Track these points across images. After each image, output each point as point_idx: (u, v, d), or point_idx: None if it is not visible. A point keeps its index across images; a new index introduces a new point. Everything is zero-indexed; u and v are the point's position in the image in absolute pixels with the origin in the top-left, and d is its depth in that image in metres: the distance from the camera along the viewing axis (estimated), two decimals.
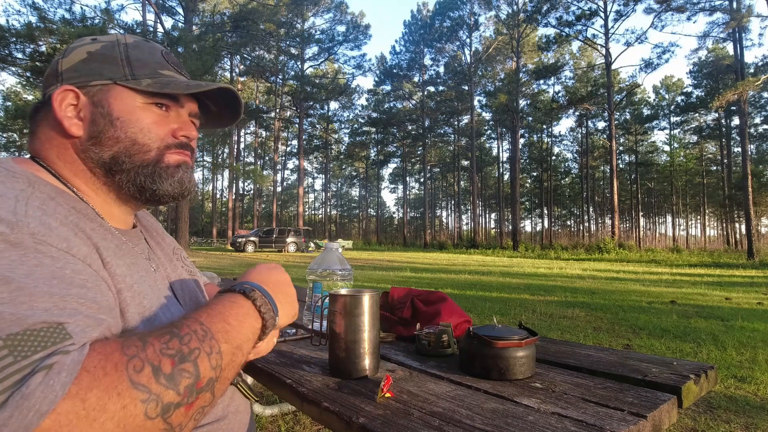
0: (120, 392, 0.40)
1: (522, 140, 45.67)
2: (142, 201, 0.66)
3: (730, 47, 25.83)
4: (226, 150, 44.19)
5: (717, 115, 38.04)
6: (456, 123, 46.28)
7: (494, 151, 52.82)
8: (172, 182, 0.64)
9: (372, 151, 52.34)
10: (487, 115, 45.66)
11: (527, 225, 64.08)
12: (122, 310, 0.53)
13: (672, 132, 45.41)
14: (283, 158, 55.13)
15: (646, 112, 44.83)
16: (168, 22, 26.06)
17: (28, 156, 0.62)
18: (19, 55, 18.15)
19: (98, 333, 0.45)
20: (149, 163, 0.62)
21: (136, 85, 0.61)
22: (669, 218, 57.15)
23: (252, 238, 24.61)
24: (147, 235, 0.74)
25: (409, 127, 46.03)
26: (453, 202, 60.56)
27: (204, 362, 0.47)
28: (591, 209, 51.05)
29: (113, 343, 0.44)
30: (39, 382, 0.37)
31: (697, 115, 41.66)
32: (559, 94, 38.86)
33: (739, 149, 24.43)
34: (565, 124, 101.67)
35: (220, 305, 0.55)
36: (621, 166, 46.89)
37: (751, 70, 25.41)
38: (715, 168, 46.38)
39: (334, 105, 47.26)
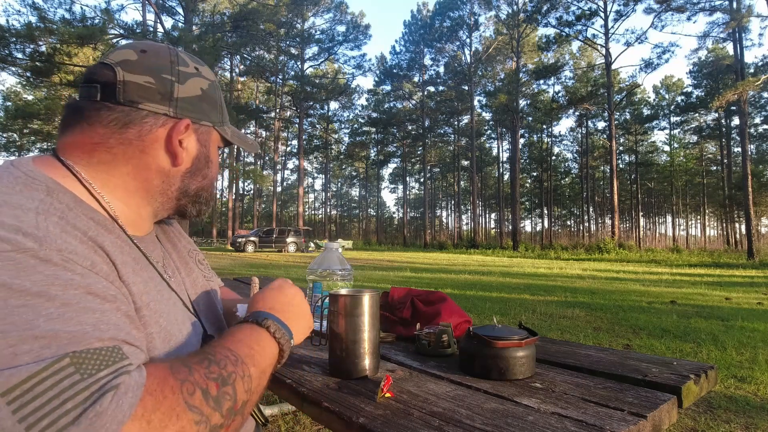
0: (178, 414, 0.42)
1: (522, 140, 45.70)
2: (174, 216, 0.73)
3: (730, 47, 25.82)
4: (227, 150, 44.14)
5: (717, 115, 38.03)
6: (456, 123, 46.25)
7: (494, 151, 52.85)
8: (208, 208, 0.73)
9: (372, 151, 52.32)
10: (487, 115, 45.68)
11: (527, 225, 64.16)
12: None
13: (672, 132, 45.41)
14: (283, 158, 55.14)
15: (646, 112, 44.81)
16: (168, 22, 26.08)
17: (50, 153, 0.58)
18: (19, 55, 18.15)
19: (144, 355, 0.47)
20: (213, 198, 0.73)
21: (224, 134, 0.70)
22: (669, 218, 57.19)
23: (252, 238, 24.62)
24: (163, 237, 0.74)
25: (409, 127, 46.00)
26: (453, 202, 60.55)
27: (239, 385, 0.50)
28: (591, 209, 51.03)
29: (161, 367, 0.46)
30: (110, 401, 0.39)
31: (697, 115, 41.64)
32: (559, 94, 38.84)
33: (739, 149, 24.42)
34: (565, 124, 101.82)
35: (240, 333, 0.58)
36: (621, 166, 46.89)
37: (751, 70, 25.44)
38: (715, 168, 46.37)
39: (334, 105, 47.26)
